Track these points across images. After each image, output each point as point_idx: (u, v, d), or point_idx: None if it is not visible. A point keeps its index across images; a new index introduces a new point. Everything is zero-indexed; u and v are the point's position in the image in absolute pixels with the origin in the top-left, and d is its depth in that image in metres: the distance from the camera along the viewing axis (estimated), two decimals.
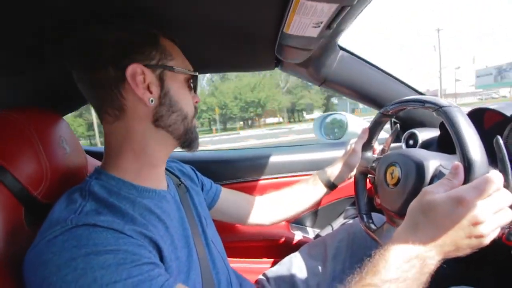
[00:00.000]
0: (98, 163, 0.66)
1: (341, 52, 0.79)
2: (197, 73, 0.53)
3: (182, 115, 0.50)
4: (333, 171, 0.78)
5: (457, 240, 0.38)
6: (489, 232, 0.37)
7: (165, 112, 0.48)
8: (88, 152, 0.68)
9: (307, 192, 0.79)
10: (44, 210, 0.43)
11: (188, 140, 0.53)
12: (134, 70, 0.45)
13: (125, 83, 0.45)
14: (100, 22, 0.47)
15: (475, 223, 0.37)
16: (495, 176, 0.38)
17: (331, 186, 0.78)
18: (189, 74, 0.52)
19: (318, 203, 0.98)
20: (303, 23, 0.48)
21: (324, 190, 0.79)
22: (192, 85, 0.53)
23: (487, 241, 0.38)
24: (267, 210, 0.79)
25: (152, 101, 0.47)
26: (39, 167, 0.50)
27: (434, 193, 0.40)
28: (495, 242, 0.39)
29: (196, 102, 0.55)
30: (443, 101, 0.48)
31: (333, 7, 0.42)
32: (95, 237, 0.36)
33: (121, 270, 0.35)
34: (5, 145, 0.48)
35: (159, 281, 0.37)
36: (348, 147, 0.78)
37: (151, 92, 0.47)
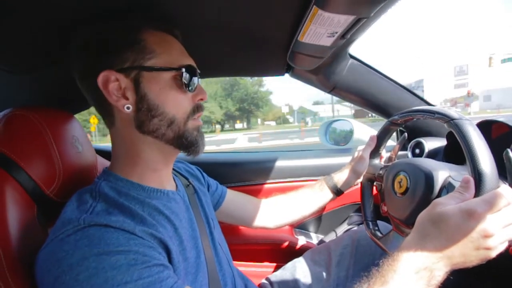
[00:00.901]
0: (106, 162, 0.67)
1: (351, 60, 0.80)
2: (183, 69, 0.46)
3: (167, 120, 0.46)
4: (340, 177, 0.78)
5: (465, 252, 0.38)
6: (497, 245, 0.38)
7: (145, 117, 0.45)
8: (97, 151, 0.69)
9: (313, 197, 0.79)
10: (56, 209, 0.44)
11: (183, 145, 0.48)
12: (106, 77, 0.43)
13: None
14: (97, 21, 0.45)
15: (485, 236, 0.38)
16: (506, 191, 0.39)
17: (338, 192, 0.79)
18: (179, 73, 0.46)
19: (323, 208, 0.99)
20: (318, 32, 0.49)
21: (330, 195, 0.79)
22: (187, 82, 0.47)
23: (494, 253, 0.39)
24: (272, 213, 0.79)
25: (128, 107, 0.44)
26: (52, 165, 0.51)
27: (445, 204, 0.41)
28: (501, 254, 0.40)
29: (201, 99, 0.50)
30: (454, 113, 0.48)
31: (349, 19, 0.43)
32: (107, 237, 0.37)
33: (132, 271, 0.35)
34: (20, 143, 0.49)
35: (168, 283, 0.37)
36: (356, 154, 0.78)
37: (127, 98, 0.44)
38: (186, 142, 0.48)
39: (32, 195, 0.48)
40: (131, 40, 0.44)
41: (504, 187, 0.40)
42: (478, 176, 0.42)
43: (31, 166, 0.48)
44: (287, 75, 0.87)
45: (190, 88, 0.48)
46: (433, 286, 0.39)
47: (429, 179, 0.54)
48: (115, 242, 0.37)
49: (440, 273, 0.39)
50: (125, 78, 0.44)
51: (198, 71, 0.50)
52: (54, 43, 0.51)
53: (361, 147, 0.77)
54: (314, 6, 0.41)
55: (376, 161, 0.77)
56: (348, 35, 0.50)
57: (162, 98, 0.46)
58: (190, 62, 0.49)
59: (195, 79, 0.49)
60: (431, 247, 0.39)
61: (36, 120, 0.51)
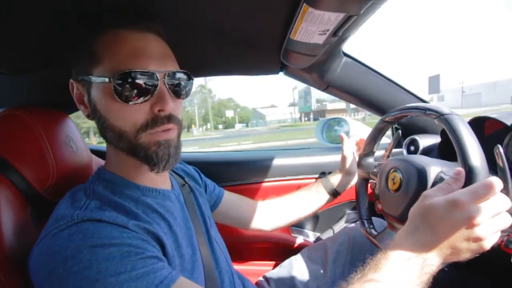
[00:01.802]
0: (101, 161, 0.67)
1: (345, 58, 0.80)
2: (110, 78, 0.40)
3: (116, 133, 0.43)
4: (336, 179, 0.79)
5: (455, 243, 0.38)
6: (488, 235, 0.37)
7: (100, 128, 0.45)
8: (93, 151, 0.69)
9: (310, 199, 0.80)
10: (50, 208, 0.44)
11: (140, 159, 0.45)
12: (71, 86, 0.46)
13: None
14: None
15: (471, 226, 0.37)
16: (493, 181, 0.38)
17: (334, 193, 0.80)
18: (120, 81, 0.40)
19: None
20: (309, 30, 0.49)
21: (327, 197, 0.80)
22: (127, 92, 0.41)
23: (487, 244, 0.38)
24: (268, 215, 0.80)
25: (88, 116, 0.46)
26: (45, 165, 0.51)
27: (432, 196, 0.41)
28: (495, 250, 0.40)
29: (160, 110, 0.43)
30: (444, 109, 0.49)
31: (340, 16, 0.43)
32: (100, 231, 0.37)
33: (126, 262, 0.36)
34: (13, 143, 0.49)
35: (163, 273, 0.38)
36: (343, 154, 0.79)
37: (86, 107, 0.46)
38: (142, 156, 0.44)
39: (25, 195, 0.49)
40: (86, 48, 0.44)
41: (492, 178, 0.39)
42: (468, 169, 0.42)
43: (24, 165, 0.48)
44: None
45: (138, 97, 0.41)
46: (427, 274, 0.38)
47: (421, 174, 0.54)
48: (108, 235, 0.37)
49: (433, 262, 0.38)
50: (82, 87, 0.46)
51: (156, 75, 0.42)
52: (49, 44, 0.52)
53: (346, 149, 0.79)
54: (304, 3, 0.42)
55: (370, 160, 0.77)
56: (339, 33, 0.50)
57: (106, 110, 0.43)
58: (142, 66, 0.42)
59: (150, 87, 0.42)
60: (421, 238, 0.39)
61: (30, 120, 0.51)
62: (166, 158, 0.45)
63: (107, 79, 0.41)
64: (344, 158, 0.78)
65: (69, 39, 0.47)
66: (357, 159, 0.79)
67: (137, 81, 0.41)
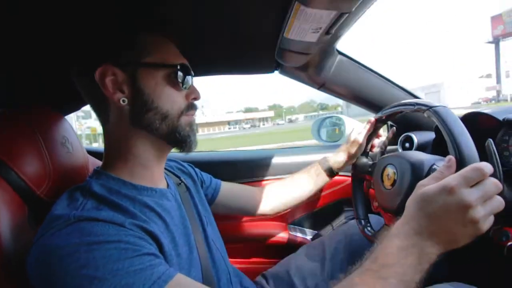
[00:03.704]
0: (98, 162, 0.67)
1: (339, 56, 0.81)
2: (178, 66, 0.49)
3: (161, 114, 0.48)
4: (335, 160, 0.80)
5: (452, 229, 0.38)
6: (482, 217, 0.37)
7: (140, 111, 0.47)
8: (89, 152, 0.69)
9: (309, 181, 0.81)
10: (47, 209, 0.44)
11: (176, 140, 0.50)
12: (103, 71, 0.46)
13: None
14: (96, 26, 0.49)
15: (465, 209, 0.37)
16: (482, 165, 0.38)
17: (332, 174, 0.80)
18: (173, 70, 0.49)
19: (319, 198, 1.00)
20: (303, 28, 0.50)
21: (326, 179, 0.81)
22: (180, 80, 0.49)
23: (482, 227, 0.38)
24: (268, 199, 0.80)
25: (124, 101, 0.47)
26: (42, 166, 0.51)
27: (426, 185, 0.41)
28: (488, 244, 0.40)
29: (194, 98, 0.52)
30: (433, 102, 0.50)
31: (331, 14, 0.44)
32: (97, 229, 0.37)
33: (123, 259, 0.36)
34: (10, 143, 0.49)
35: (160, 269, 0.38)
36: (352, 136, 0.78)
37: (123, 92, 0.47)
38: (179, 137, 0.50)
39: (22, 196, 0.49)
40: (129, 40, 0.48)
41: (482, 163, 0.39)
42: (458, 155, 0.43)
43: (21, 166, 0.48)
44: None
45: (184, 86, 0.50)
46: (425, 263, 0.38)
47: (415, 168, 0.55)
48: (105, 233, 0.38)
49: (431, 250, 0.38)
50: (122, 73, 0.47)
51: (192, 71, 0.52)
52: (52, 42, 0.52)
53: (357, 127, 0.78)
54: (296, 2, 0.42)
55: (364, 160, 0.78)
56: (332, 31, 0.51)
57: (157, 94, 0.48)
58: (184, 61, 0.52)
59: (189, 78, 0.51)
60: (416, 227, 0.39)
61: (26, 120, 0.51)
62: (195, 139, 0.53)
63: (167, 67, 0.48)
64: (355, 141, 0.76)
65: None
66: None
67: (187, 73, 0.51)
